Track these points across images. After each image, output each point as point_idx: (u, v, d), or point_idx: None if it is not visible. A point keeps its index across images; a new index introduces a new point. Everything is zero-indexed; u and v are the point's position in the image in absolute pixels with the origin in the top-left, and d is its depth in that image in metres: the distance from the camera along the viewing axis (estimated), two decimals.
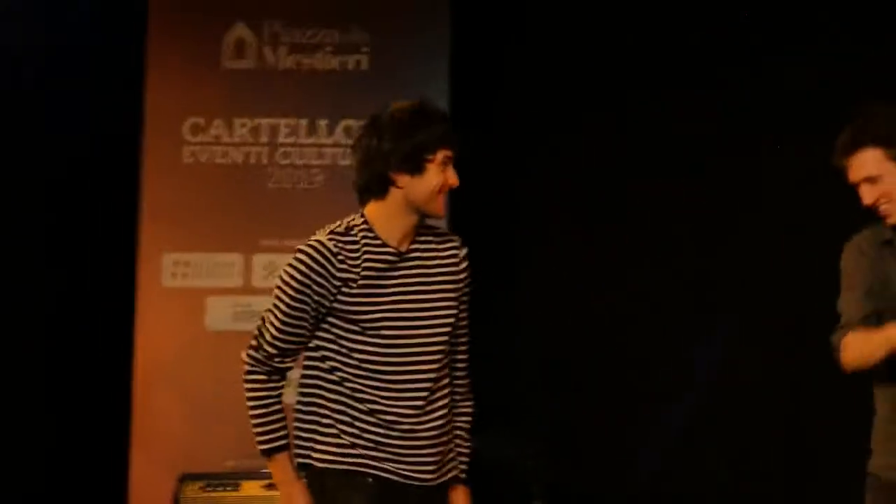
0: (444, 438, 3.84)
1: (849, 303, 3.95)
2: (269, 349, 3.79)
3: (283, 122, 5.97)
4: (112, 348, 5.88)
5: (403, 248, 3.82)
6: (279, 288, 3.78)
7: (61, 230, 6.04)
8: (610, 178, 6.05)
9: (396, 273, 3.81)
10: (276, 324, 3.78)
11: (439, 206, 3.81)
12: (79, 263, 6.01)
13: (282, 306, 3.76)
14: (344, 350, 3.77)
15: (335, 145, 5.96)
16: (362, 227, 3.80)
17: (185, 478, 5.20)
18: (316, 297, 3.74)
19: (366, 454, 3.77)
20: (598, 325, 5.99)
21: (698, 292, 6.00)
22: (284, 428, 3.83)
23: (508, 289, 6.03)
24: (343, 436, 3.77)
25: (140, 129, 5.90)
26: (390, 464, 3.77)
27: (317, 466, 3.80)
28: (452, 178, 3.80)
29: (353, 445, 3.77)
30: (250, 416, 3.84)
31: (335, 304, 3.75)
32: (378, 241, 3.79)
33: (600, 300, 6.00)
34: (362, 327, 3.76)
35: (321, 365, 3.80)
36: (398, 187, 3.76)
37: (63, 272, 6.02)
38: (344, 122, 5.96)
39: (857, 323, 3.89)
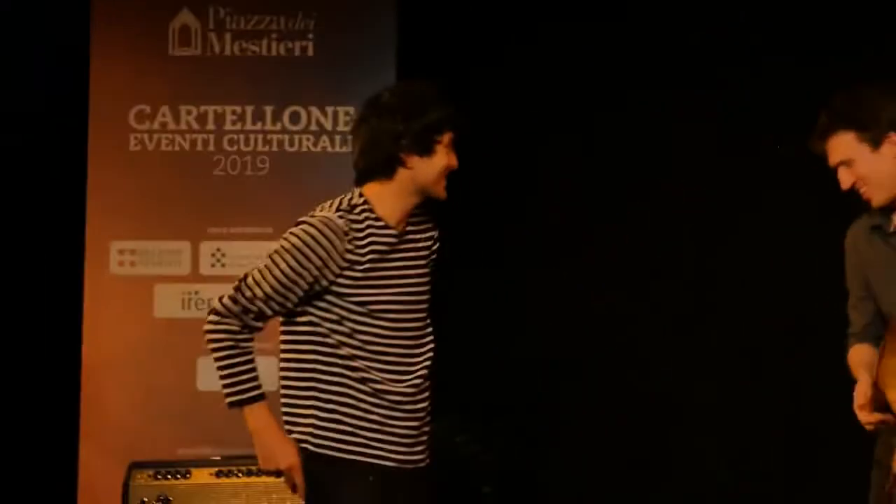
0: (429, 418, 3.85)
1: (852, 308, 3.97)
2: (250, 306, 3.72)
3: (229, 108, 5.96)
4: (60, 337, 5.85)
5: (400, 230, 3.80)
6: (279, 254, 3.71)
7: (7, 219, 6.01)
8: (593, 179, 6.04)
9: (396, 255, 3.78)
10: (266, 287, 3.70)
11: (442, 188, 3.79)
12: (25, 252, 5.98)
13: (277, 272, 3.70)
14: (347, 331, 3.72)
15: (281, 131, 5.96)
16: (363, 206, 3.75)
17: (135, 466, 5.19)
18: (315, 273, 3.68)
19: (369, 438, 3.73)
20: (595, 323, 5.97)
21: (698, 292, 5.97)
22: (257, 378, 3.75)
23: (498, 286, 6.01)
24: (346, 419, 3.73)
25: (85, 117, 5.87)
26: (392, 446, 3.75)
27: (314, 452, 3.74)
28: (454, 161, 3.79)
29: (355, 433, 3.74)
30: (219, 367, 3.75)
31: (335, 287, 3.70)
32: (381, 223, 3.76)
33: (598, 299, 5.97)
34: (369, 310, 3.72)
35: (320, 349, 3.74)
36: (407, 168, 3.73)
37: (9, 261, 5.98)
38: (290, 109, 5.96)
39: (860, 332, 3.91)
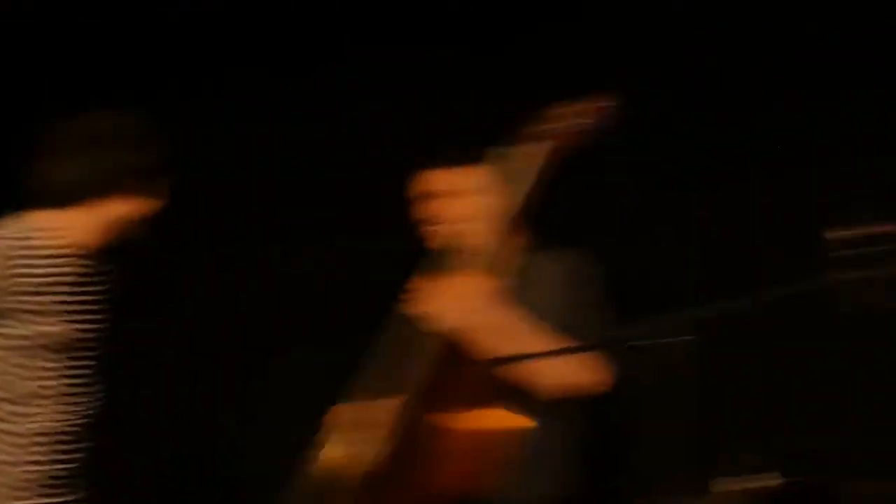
0: (86, 460, 3.68)
1: None
2: None
3: None
4: None
5: (82, 262, 3.59)
6: None
7: None
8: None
9: (73, 287, 3.56)
10: None
11: (138, 227, 3.64)
12: None
13: None
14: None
15: None
16: (43, 232, 3.52)
17: None
18: None
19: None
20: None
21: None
22: None
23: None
24: None
25: None
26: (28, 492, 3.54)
27: None
28: (155, 204, 3.65)
29: None
30: None
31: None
32: (61, 251, 3.52)
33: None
34: (26, 343, 3.50)
35: None
36: (107, 201, 3.58)
37: None
38: None
39: None
